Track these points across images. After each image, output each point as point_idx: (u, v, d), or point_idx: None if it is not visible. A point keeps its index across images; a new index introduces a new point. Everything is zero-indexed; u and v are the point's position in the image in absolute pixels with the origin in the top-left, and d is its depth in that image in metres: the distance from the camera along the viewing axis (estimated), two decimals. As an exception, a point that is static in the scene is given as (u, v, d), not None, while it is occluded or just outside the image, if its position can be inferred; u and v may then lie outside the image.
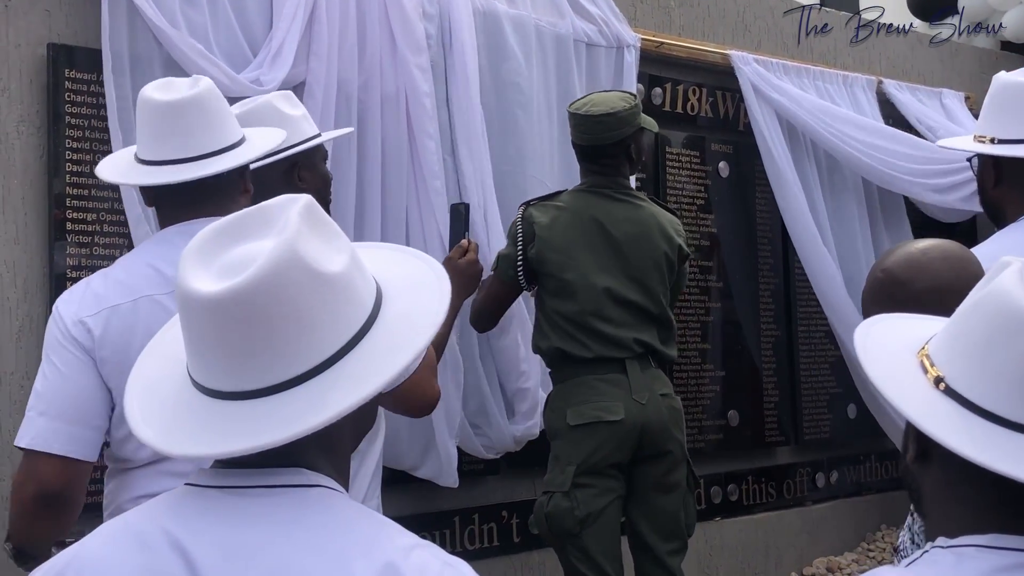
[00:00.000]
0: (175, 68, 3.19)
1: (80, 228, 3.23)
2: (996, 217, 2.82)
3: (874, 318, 1.47)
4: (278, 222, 1.29)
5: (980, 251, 2.66)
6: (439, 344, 3.08)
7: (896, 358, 1.34)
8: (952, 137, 3.84)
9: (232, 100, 3.07)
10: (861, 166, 5.06)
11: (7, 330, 3.12)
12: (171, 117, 2.27)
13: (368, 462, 2.94)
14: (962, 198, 5.11)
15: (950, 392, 1.27)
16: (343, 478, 1.34)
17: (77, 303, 2.23)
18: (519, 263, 3.44)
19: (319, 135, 2.90)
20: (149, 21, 3.20)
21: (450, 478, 3.79)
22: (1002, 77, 2.74)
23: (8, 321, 3.12)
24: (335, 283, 1.28)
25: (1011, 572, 1.23)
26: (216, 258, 1.29)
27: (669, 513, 3.49)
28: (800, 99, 4.92)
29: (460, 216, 3.40)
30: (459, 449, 3.81)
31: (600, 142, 3.45)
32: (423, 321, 1.33)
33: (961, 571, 1.24)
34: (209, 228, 1.32)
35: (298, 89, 3.51)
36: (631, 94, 3.71)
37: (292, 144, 2.74)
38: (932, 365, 1.30)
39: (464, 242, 3.36)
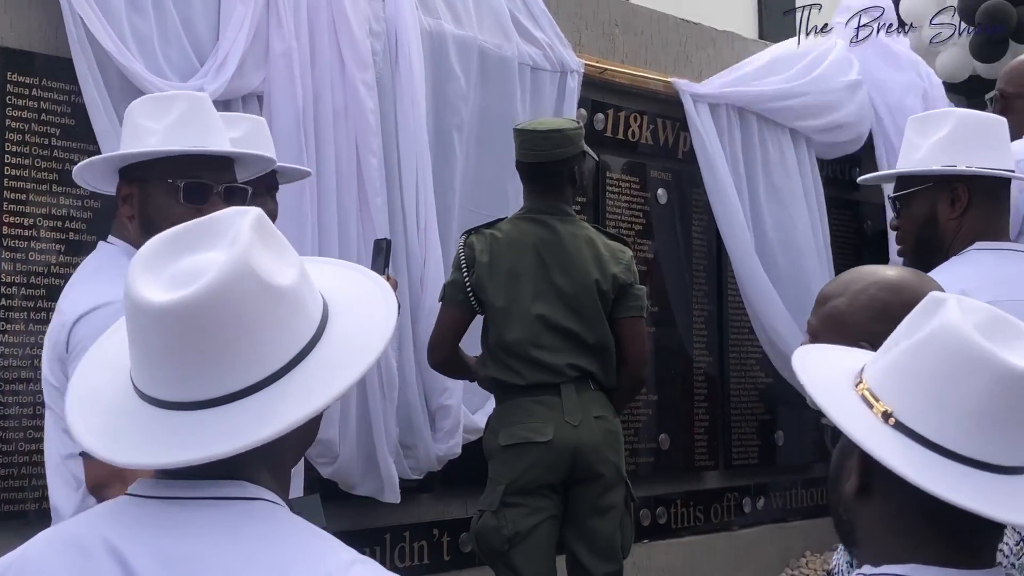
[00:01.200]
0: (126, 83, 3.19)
1: (16, 234, 3.19)
2: (936, 246, 2.83)
3: (802, 350, 1.48)
4: (228, 233, 1.29)
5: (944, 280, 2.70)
6: None
7: (841, 392, 1.36)
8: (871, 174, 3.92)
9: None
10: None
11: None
12: None
13: None
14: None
15: (900, 427, 1.29)
16: (284, 491, 1.34)
17: None
18: (468, 287, 3.45)
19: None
20: (98, 35, 3.18)
21: (392, 494, 3.78)
22: (963, 112, 2.77)
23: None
24: (285, 296, 1.28)
25: None
26: (166, 268, 1.28)
27: (605, 535, 3.50)
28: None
29: (381, 251, 3.39)
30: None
31: (545, 159, 3.46)
32: (372, 339, 1.34)
33: None
34: (158, 238, 1.32)
35: (248, 99, 3.50)
36: (575, 120, 3.74)
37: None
38: (877, 400, 1.32)
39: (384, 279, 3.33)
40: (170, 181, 2.32)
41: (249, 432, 1.23)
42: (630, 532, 3.58)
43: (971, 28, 7.01)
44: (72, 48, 3.16)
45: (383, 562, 3.85)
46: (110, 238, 2.38)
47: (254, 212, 1.33)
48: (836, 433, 1.42)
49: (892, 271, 1.87)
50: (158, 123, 2.34)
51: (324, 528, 2.71)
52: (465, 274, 3.45)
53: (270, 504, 1.28)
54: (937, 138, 2.71)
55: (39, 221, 3.22)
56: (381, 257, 3.34)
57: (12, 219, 3.17)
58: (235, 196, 2.39)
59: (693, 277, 5.11)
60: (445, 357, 3.58)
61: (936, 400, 1.29)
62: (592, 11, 4.79)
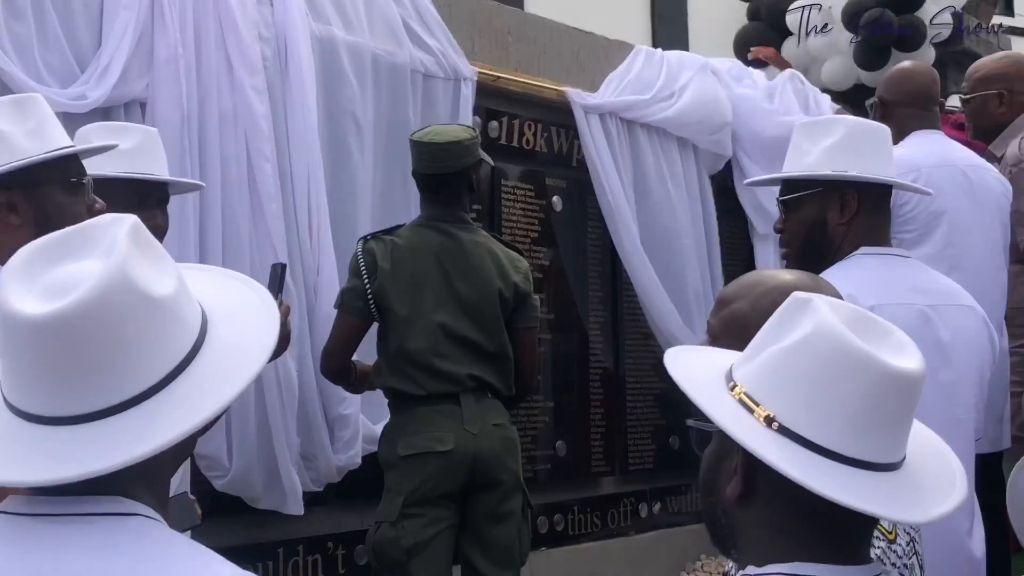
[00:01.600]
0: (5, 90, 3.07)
1: None
2: (824, 251, 2.88)
3: (671, 354, 1.49)
4: (103, 242, 1.26)
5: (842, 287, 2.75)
6: None
7: (719, 396, 1.37)
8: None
9: (57, 116, 2.99)
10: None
11: None
12: None
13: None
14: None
15: (784, 431, 1.30)
16: (162, 505, 1.32)
17: None
18: (369, 295, 3.42)
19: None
20: None
21: (295, 506, 3.73)
22: (852, 120, 2.82)
23: None
24: (163, 307, 1.25)
25: None
26: (39, 277, 1.25)
27: (503, 543, 3.51)
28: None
29: (276, 276, 3.36)
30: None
31: (443, 171, 3.47)
32: (254, 349, 1.32)
33: None
34: (29, 247, 1.29)
35: (131, 106, 3.44)
36: (471, 127, 3.75)
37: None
38: (757, 404, 1.33)
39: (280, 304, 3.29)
40: (72, 180, 2.31)
41: (127, 448, 1.20)
42: (527, 539, 3.60)
43: (855, 37, 7.19)
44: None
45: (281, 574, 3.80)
46: None
47: (130, 220, 1.31)
48: (702, 436, 1.43)
49: (791, 275, 1.90)
50: (17, 126, 2.29)
51: (198, 525, 2.66)
52: (366, 280, 3.43)
53: (147, 520, 1.26)
54: (828, 144, 2.76)
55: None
56: (276, 281, 3.30)
57: None
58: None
59: (588, 284, 5.14)
60: (341, 366, 3.56)
61: (817, 403, 1.30)
62: (485, 19, 4.80)
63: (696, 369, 1.43)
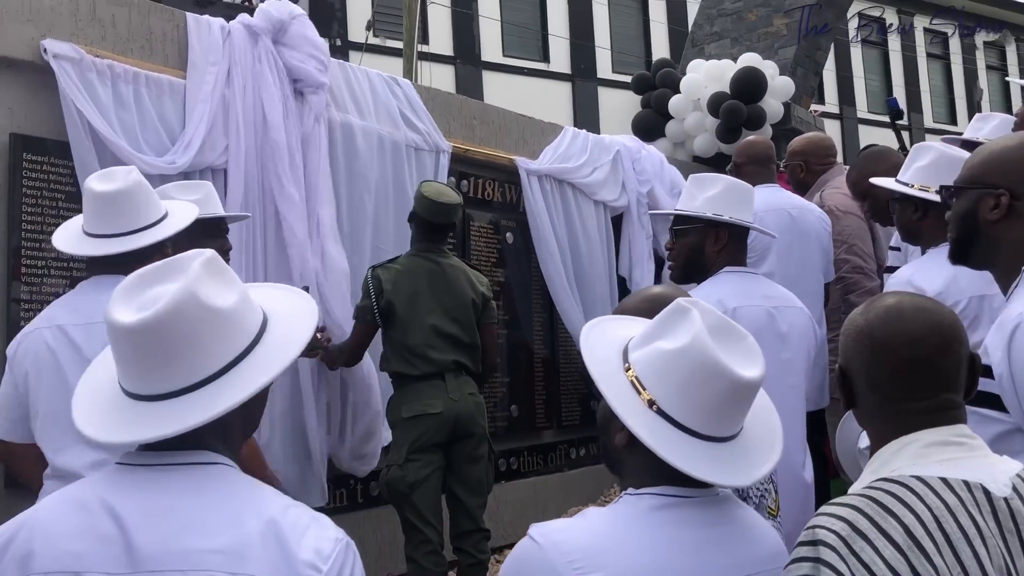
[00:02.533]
0: (115, 158, 3.06)
1: (32, 272, 3.05)
2: (696, 274, 2.91)
3: (588, 327, 1.50)
4: (185, 269, 1.27)
5: (699, 295, 2.78)
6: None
7: (614, 376, 1.39)
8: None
9: (151, 176, 3.00)
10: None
11: (-30, 349, 2.90)
12: (107, 202, 2.23)
13: None
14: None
15: (661, 413, 1.34)
16: (236, 458, 1.31)
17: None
18: (375, 310, 3.44)
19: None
20: (93, 124, 3.06)
21: (320, 498, 3.67)
22: (728, 179, 2.84)
23: (-28, 342, 2.90)
24: (223, 315, 1.25)
25: (667, 508, 1.35)
26: (137, 296, 1.25)
27: (476, 477, 3.53)
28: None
29: None
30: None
31: (448, 221, 3.52)
32: (292, 345, 1.32)
33: (639, 506, 1.35)
34: (135, 274, 1.30)
35: (204, 171, 3.41)
36: (458, 189, 3.80)
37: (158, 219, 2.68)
38: (644, 388, 1.35)
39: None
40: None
41: (191, 416, 1.21)
42: (492, 475, 3.62)
43: (717, 119, 7.26)
44: (71, 133, 3.04)
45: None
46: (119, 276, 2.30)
47: (207, 253, 1.31)
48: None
49: (658, 288, 1.93)
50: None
51: None
52: (373, 300, 3.45)
53: (225, 467, 1.26)
54: (711, 194, 2.81)
55: (49, 263, 3.08)
56: None
57: (29, 261, 3.03)
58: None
59: (532, 295, 5.15)
60: (354, 358, 3.59)
61: (688, 396, 1.34)
62: (457, 108, 4.82)
63: (602, 346, 1.45)
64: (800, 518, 2.57)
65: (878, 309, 1.42)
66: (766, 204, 3.87)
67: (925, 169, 2.77)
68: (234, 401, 1.21)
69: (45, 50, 3.03)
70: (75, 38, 3.14)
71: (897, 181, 2.86)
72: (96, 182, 2.24)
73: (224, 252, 2.95)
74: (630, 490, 1.38)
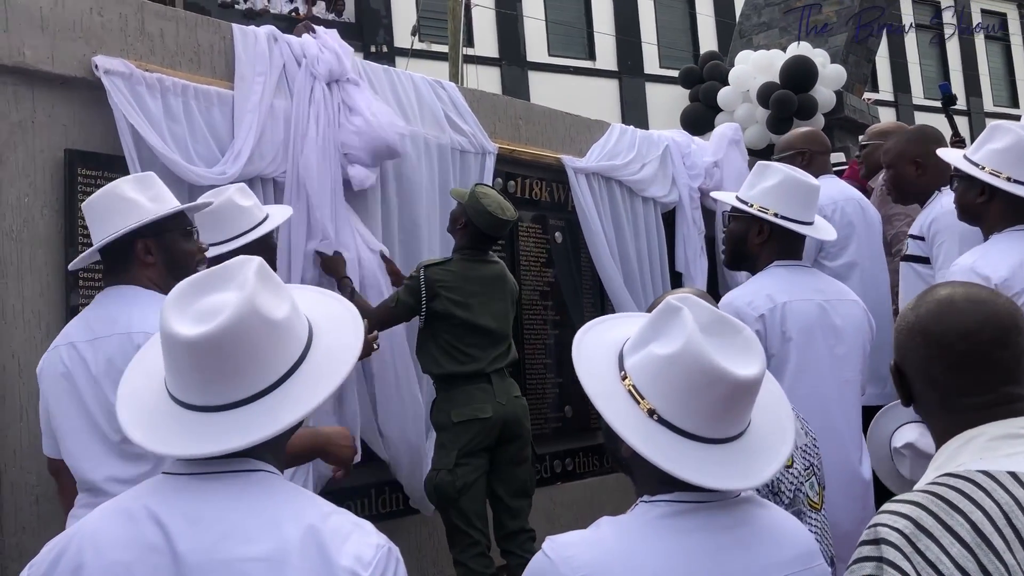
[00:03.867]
0: (167, 170, 3.11)
1: (89, 285, 3.11)
2: (742, 262, 2.88)
3: (578, 338, 1.48)
4: (237, 278, 1.27)
5: (745, 291, 2.74)
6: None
7: (610, 385, 1.38)
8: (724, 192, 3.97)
9: (203, 186, 3.06)
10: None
11: (34, 360, 2.96)
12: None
13: None
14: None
15: (663, 422, 1.32)
16: (280, 464, 1.32)
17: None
18: (423, 312, 3.43)
19: (267, 217, 2.95)
20: (145, 138, 3.12)
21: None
22: (791, 172, 2.78)
23: (35, 356, 2.97)
24: (281, 326, 1.26)
25: (680, 515, 1.33)
26: (190, 306, 1.25)
27: (520, 479, 3.53)
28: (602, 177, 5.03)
29: (347, 290, 3.34)
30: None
31: (501, 235, 3.54)
32: (345, 355, 1.32)
33: (652, 514, 1.34)
34: (184, 282, 1.30)
35: (254, 180, 3.45)
36: (503, 190, 3.83)
37: (244, 231, 2.88)
38: (643, 398, 1.34)
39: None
40: (187, 228, 2.38)
41: (259, 430, 1.21)
42: (534, 478, 3.62)
43: (767, 110, 7.16)
44: (124, 147, 3.10)
45: (366, 510, 3.80)
46: (119, 286, 2.33)
47: (256, 260, 1.31)
48: None
49: (688, 290, 1.92)
50: (143, 194, 2.33)
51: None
52: (424, 302, 3.44)
53: (268, 474, 1.26)
54: (767, 185, 2.76)
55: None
56: (347, 295, 3.29)
57: (86, 274, 3.10)
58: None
59: (583, 293, 5.12)
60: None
61: (687, 403, 1.32)
62: (502, 109, 4.81)
63: (596, 356, 1.43)
64: (860, 515, 2.52)
65: (930, 303, 1.38)
66: (842, 193, 3.87)
67: (1000, 153, 2.66)
68: (300, 414, 1.23)
69: (96, 66, 3.09)
70: (125, 53, 3.20)
71: (966, 159, 2.77)
72: (127, 186, 2.34)
73: (271, 252, 3.04)
74: (644, 497, 1.37)
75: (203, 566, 1.16)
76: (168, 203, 2.34)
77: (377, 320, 3.46)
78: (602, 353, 1.42)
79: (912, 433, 3.24)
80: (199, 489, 1.23)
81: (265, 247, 2.97)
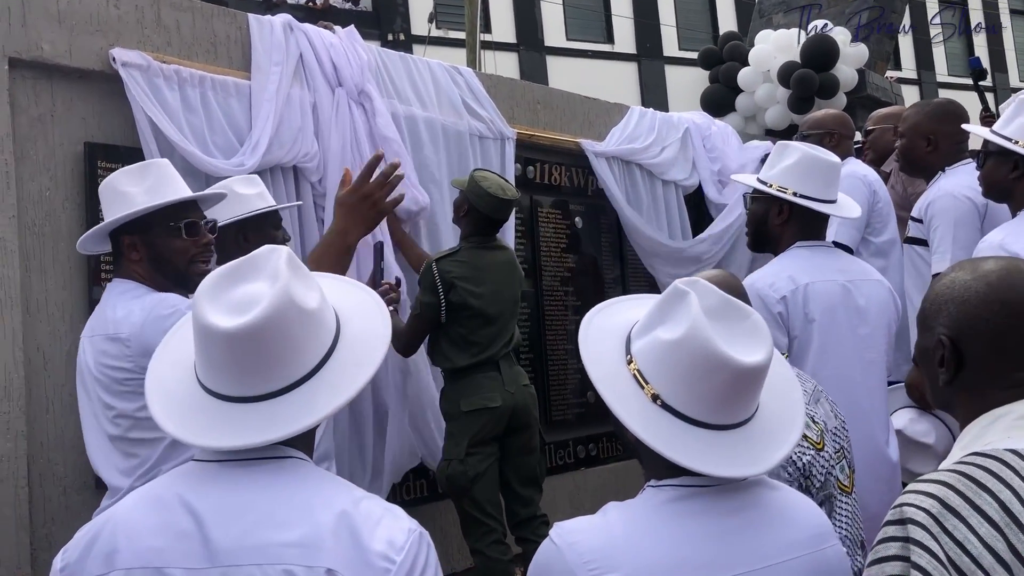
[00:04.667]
0: (185, 162, 3.12)
1: (109, 278, 3.12)
2: (764, 244, 2.86)
3: (585, 322, 1.47)
4: (267, 268, 1.26)
5: (766, 273, 2.72)
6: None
7: (615, 369, 1.36)
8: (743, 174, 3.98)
9: (221, 178, 3.05)
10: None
11: (59, 353, 3.00)
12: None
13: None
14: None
15: (666, 407, 1.31)
16: (309, 450, 1.32)
17: None
18: (442, 307, 3.42)
19: (265, 208, 2.89)
20: (164, 130, 3.12)
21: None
22: (810, 150, 2.74)
23: (59, 349, 3.01)
24: (313, 316, 1.26)
25: (687, 499, 1.32)
26: (222, 296, 1.25)
27: (530, 467, 3.53)
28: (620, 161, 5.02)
29: (378, 251, 3.28)
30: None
31: (505, 217, 3.52)
32: (376, 342, 1.32)
33: (658, 499, 1.34)
34: (214, 273, 1.30)
35: (274, 170, 3.45)
36: (522, 175, 3.80)
37: (240, 215, 2.80)
38: (647, 383, 1.33)
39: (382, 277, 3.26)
40: (171, 224, 2.26)
41: (296, 420, 1.22)
42: (544, 466, 3.63)
43: (788, 90, 7.08)
44: (142, 139, 3.11)
45: (395, 495, 3.81)
46: (115, 280, 2.32)
47: (285, 250, 1.31)
48: None
49: (709, 272, 1.95)
50: (137, 187, 2.26)
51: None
52: (442, 297, 3.42)
53: (299, 460, 1.27)
54: (787, 163, 2.73)
55: (128, 266, 3.16)
56: (378, 255, 3.26)
57: (108, 267, 3.11)
58: (212, 228, 2.38)
59: (604, 278, 5.10)
60: (411, 353, 3.54)
61: (691, 388, 1.31)
62: (520, 94, 4.78)
63: (602, 339, 1.42)
64: (887, 497, 2.49)
65: (998, 271, 1.32)
66: (872, 174, 3.88)
67: None
68: (338, 404, 1.23)
69: (114, 59, 3.10)
70: (142, 45, 3.21)
71: (995, 132, 2.72)
72: (124, 178, 2.33)
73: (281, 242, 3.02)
74: (652, 481, 1.37)
75: (235, 552, 1.17)
76: (162, 196, 2.25)
77: (412, 333, 3.46)
78: (609, 337, 1.41)
79: (901, 420, 3.22)
80: (230, 476, 1.23)
81: (259, 235, 2.82)
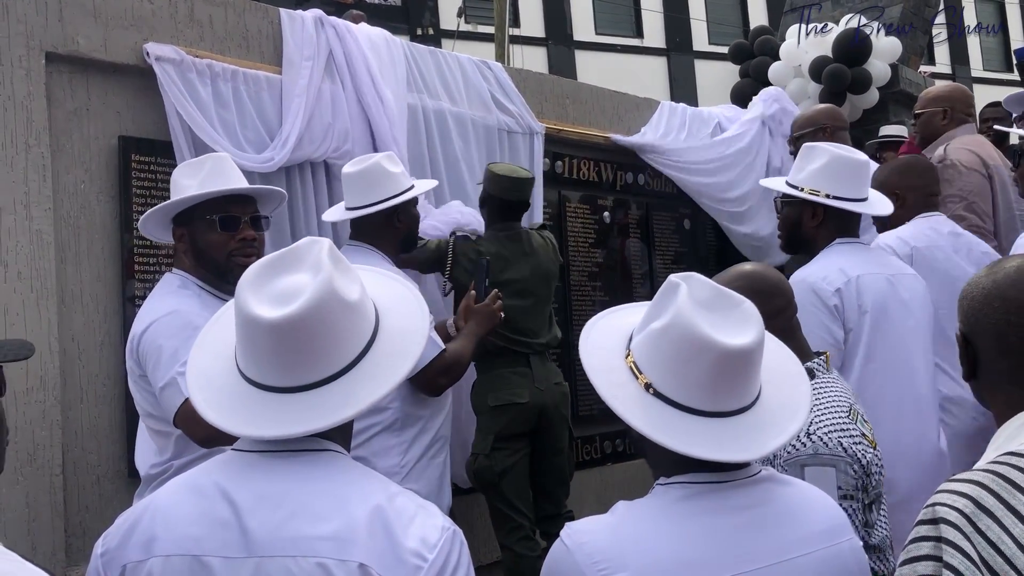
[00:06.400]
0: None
1: (144, 269, 3.16)
2: (799, 246, 2.84)
3: (591, 323, 1.47)
4: (308, 259, 1.27)
5: (816, 267, 2.70)
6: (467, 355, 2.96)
7: (613, 362, 1.37)
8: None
9: (250, 172, 3.07)
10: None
11: (93, 343, 3.04)
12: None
13: (430, 427, 2.89)
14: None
15: (658, 395, 1.31)
16: (346, 443, 1.32)
17: None
18: (445, 275, 3.44)
19: (413, 187, 2.99)
20: (195, 126, 3.15)
21: None
22: (837, 150, 2.72)
23: (93, 339, 3.05)
24: (355, 307, 1.26)
25: (695, 497, 1.32)
26: (265, 287, 1.25)
27: (558, 468, 3.51)
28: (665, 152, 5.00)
29: (483, 268, 3.24)
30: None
31: (524, 198, 3.48)
32: (415, 336, 1.32)
33: (667, 498, 1.33)
34: (257, 264, 1.31)
35: (304, 165, 3.47)
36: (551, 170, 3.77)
37: (392, 195, 2.91)
38: (641, 373, 1.33)
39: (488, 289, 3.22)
40: (208, 217, 2.32)
41: (337, 411, 1.21)
42: (572, 463, 3.61)
43: (819, 84, 7.01)
44: (173, 133, 3.14)
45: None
46: (174, 270, 2.39)
47: (326, 242, 1.32)
48: None
49: (748, 266, 1.94)
50: (193, 179, 2.34)
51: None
52: (447, 266, 3.42)
53: (336, 453, 1.27)
54: (815, 166, 2.71)
55: (160, 260, 3.20)
56: (483, 273, 3.24)
57: (141, 259, 3.16)
58: (258, 224, 2.39)
59: (632, 272, 5.08)
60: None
61: (679, 374, 1.30)
62: (549, 88, 4.77)
63: (605, 335, 1.42)
64: (933, 487, 2.47)
65: (1008, 269, 1.33)
66: None
67: None
68: (380, 394, 1.22)
69: (148, 53, 3.13)
70: (175, 40, 3.24)
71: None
72: (183, 171, 2.39)
73: (415, 236, 3.11)
74: (661, 480, 1.36)
75: (271, 543, 1.17)
76: (209, 189, 2.32)
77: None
78: (611, 334, 1.42)
79: None
80: (269, 467, 1.23)
81: (407, 216, 3.01)
